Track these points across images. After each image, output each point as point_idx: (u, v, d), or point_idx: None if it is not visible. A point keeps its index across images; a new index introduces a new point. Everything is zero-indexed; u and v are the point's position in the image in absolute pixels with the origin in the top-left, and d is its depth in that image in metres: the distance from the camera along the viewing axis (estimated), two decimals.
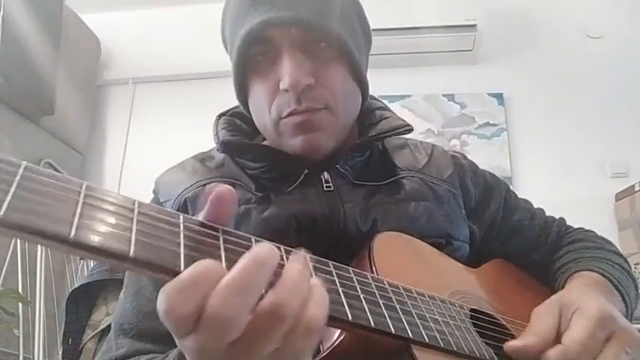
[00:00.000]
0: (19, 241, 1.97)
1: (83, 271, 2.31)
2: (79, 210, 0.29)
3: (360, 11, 0.68)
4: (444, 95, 2.49)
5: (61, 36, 2.34)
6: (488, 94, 2.47)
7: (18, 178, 0.27)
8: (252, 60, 0.61)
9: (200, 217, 0.36)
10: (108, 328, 0.84)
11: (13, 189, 0.27)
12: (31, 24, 2.14)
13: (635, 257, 1.98)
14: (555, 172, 2.25)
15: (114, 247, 0.28)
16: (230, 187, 0.36)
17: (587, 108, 2.38)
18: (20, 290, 1.87)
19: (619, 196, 2.17)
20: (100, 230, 0.29)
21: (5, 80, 2.01)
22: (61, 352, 1.32)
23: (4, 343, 1.85)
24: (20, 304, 1.81)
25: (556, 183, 2.21)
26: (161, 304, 0.29)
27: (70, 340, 0.85)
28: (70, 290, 0.89)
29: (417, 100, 2.48)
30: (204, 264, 0.30)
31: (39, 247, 1.97)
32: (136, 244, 0.29)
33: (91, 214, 0.29)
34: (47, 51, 2.24)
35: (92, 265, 2.24)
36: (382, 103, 0.75)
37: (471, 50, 2.46)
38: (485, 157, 2.33)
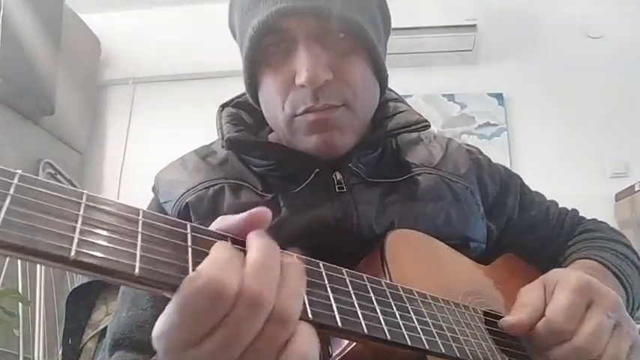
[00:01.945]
0: None
1: None
2: (79, 226, 0.26)
3: (383, 4, 0.64)
4: (444, 95, 2.49)
5: (61, 36, 2.34)
6: (488, 94, 2.46)
7: (12, 190, 0.25)
8: (265, 51, 0.57)
9: (231, 220, 0.35)
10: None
11: (6, 204, 0.24)
12: (31, 24, 2.14)
13: None
14: (555, 172, 2.25)
15: (118, 267, 0.26)
16: (269, 211, 0.35)
17: (587, 108, 2.38)
18: (20, 290, 1.87)
19: (619, 196, 2.16)
20: (103, 247, 0.26)
21: (5, 80, 2.01)
22: (61, 352, 1.32)
23: (4, 343, 1.84)
24: (20, 304, 1.81)
25: (556, 183, 2.19)
26: (202, 278, 0.28)
27: (70, 339, 0.85)
28: (70, 290, 0.89)
29: (417, 100, 2.48)
30: (223, 247, 0.30)
31: None
32: (142, 261, 0.27)
33: (92, 229, 0.27)
34: (47, 51, 2.24)
35: None
36: (396, 94, 0.71)
37: (470, 50, 2.46)
38: None
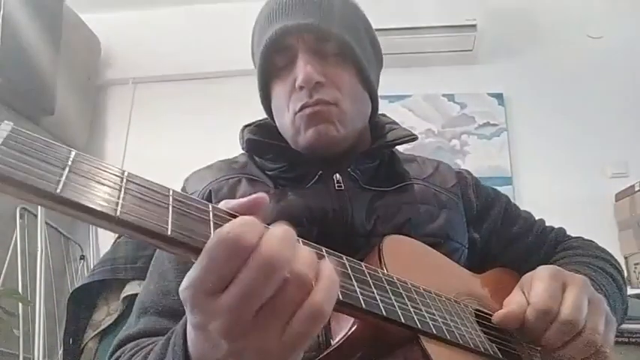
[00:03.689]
0: (19, 241, 1.97)
1: (83, 271, 2.32)
2: (122, 194, 0.32)
3: (373, 35, 0.76)
4: (444, 95, 2.49)
5: (61, 36, 2.34)
6: (488, 94, 2.47)
7: (70, 162, 0.31)
8: (273, 66, 0.70)
9: (233, 203, 0.39)
10: (109, 329, 0.84)
11: (66, 172, 0.30)
12: (31, 24, 2.14)
13: (635, 257, 1.98)
14: (555, 172, 2.25)
15: (153, 227, 0.32)
16: (266, 196, 0.39)
17: (588, 108, 2.38)
18: (20, 290, 1.87)
19: (619, 196, 2.17)
20: (142, 211, 0.32)
21: (5, 80, 2.01)
22: (61, 352, 1.32)
23: (4, 343, 1.85)
24: (20, 304, 1.81)
25: (556, 183, 2.21)
26: (227, 232, 0.31)
27: (71, 340, 0.85)
28: (71, 290, 0.89)
29: (417, 100, 2.48)
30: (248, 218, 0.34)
31: (39, 246, 1.98)
32: (173, 226, 0.32)
33: (133, 197, 0.33)
34: (47, 51, 2.24)
35: (93, 264, 2.23)
36: (392, 119, 0.83)
37: (471, 50, 2.46)
38: (485, 157, 2.33)
